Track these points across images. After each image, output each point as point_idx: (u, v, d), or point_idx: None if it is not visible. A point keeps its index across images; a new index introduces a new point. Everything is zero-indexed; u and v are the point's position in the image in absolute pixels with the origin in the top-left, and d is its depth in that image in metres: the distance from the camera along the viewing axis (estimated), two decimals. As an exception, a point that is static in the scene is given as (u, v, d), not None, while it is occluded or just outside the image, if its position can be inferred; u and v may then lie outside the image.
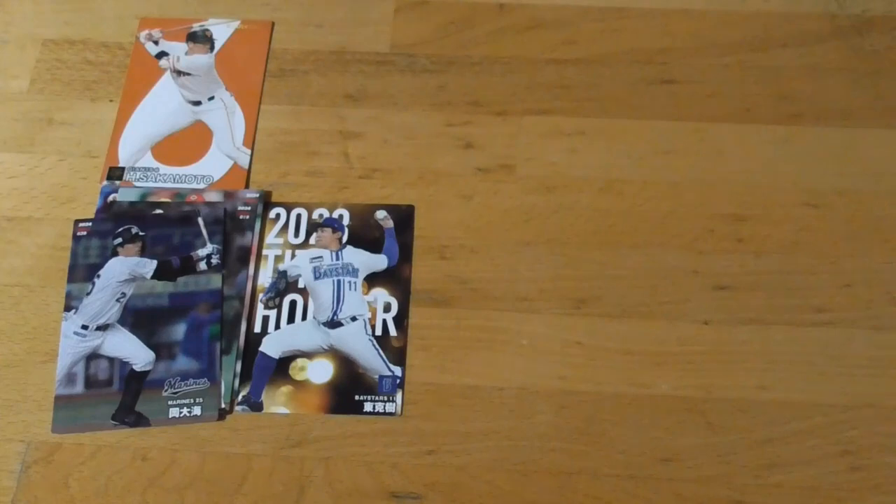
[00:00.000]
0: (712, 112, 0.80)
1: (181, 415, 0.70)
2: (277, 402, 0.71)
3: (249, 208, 0.77)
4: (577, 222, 0.76)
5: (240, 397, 0.71)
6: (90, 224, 0.77)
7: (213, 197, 0.78)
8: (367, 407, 0.70)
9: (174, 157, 0.81)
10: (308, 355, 0.72)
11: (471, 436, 0.69)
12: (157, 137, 0.82)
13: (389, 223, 0.77)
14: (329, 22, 0.87)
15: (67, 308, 0.73)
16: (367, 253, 0.76)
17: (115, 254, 0.75)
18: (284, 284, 0.75)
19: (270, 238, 0.77)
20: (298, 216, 0.77)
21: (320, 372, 0.72)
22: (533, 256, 0.75)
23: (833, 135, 0.79)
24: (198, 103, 0.83)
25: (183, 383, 0.71)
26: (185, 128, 0.82)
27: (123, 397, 0.70)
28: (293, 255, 0.76)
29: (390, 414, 0.70)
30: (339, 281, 0.74)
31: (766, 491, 0.66)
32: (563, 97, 0.82)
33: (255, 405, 0.70)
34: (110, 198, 0.78)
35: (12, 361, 0.73)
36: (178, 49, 0.85)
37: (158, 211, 0.77)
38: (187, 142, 0.81)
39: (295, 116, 0.82)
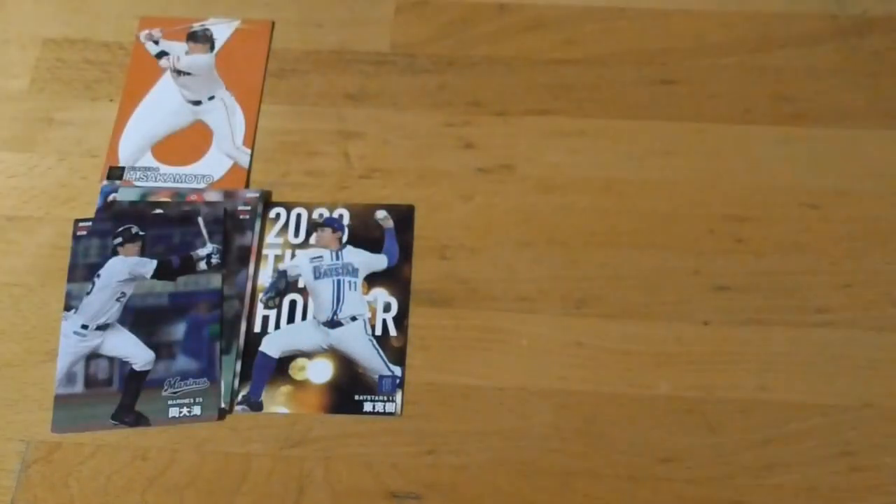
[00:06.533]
0: (712, 112, 0.80)
1: (181, 414, 0.70)
2: (277, 401, 0.71)
3: (249, 208, 0.77)
4: (577, 222, 0.76)
5: (240, 397, 0.71)
6: (90, 224, 0.77)
7: (213, 196, 0.78)
8: (367, 407, 0.70)
9: (174, 157, 0.81)
10: (308, 355, 0.72)
11: (471, 436, 0.69)
12: (158, 137, 0.82)
13: (389, 223, 0.77)
14: (329, 22, 0.87)
15: (67, 308, 0.73)
16: (367, 253, 0.76)
17: (115, 253, 0.75)
18: (284, 284, 0.75)
19: (270, 238, 0.77)
20: (298, 216, 0.77)
21: (320, 372, 0.72)
22: (533, 256, 0.75)
23: (833, 135, 0.79)
24: (198, 103, 0.83)
25: (183, 383, 0.71)
26: (185, 127, 0.82)
27: (123, 397, 0.70)
28: (293, 255, 0.76)
29: (390, 414, 0.70)
30: (339, 281, 0.74)
31: (766, 491, 0.66)
32: (563, 97, 0.82)
33: (255, 405, 0.70)
34: (110, 197, 0.78)
35: (12, 361, 0.73)
36: (178, 49, 0.85)
37: (158, 211, 0.77)
38: (187, 141, 0.81)
39: (295, 116, 0.82)
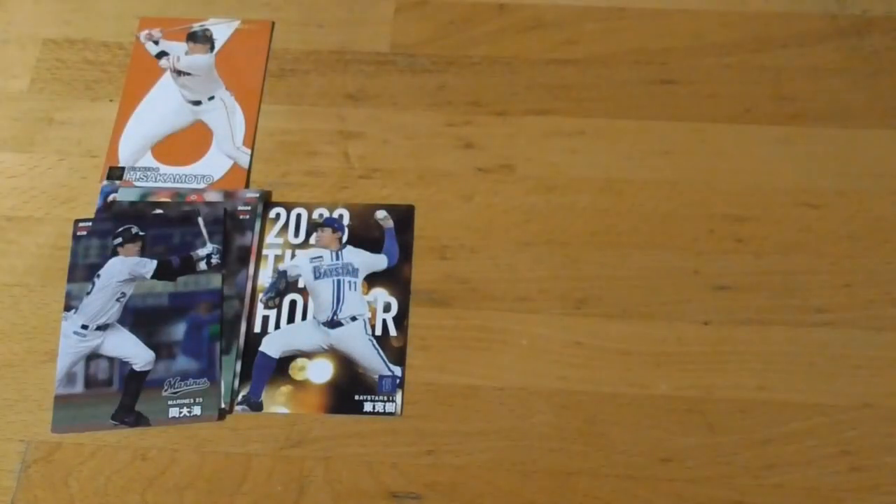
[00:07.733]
0: (712, 112, 0.80)
1: (181, 415, 0.70)
2: (277, 401, 0.71)
3: (249, 208, 0.77)
4: (577, 222, 0.76)
5: (240, 397, 0.71)
6: (90, 224, 0.77)
7: (213, 197, 0.78)
8: (367, 407, 0.70)
9: (174, 157, 0.81)
10: (308, 355, 0.72)
11: (471, 436, 0.69)
12: (158, 137, 0.82)
13: (389, 223, 0.77)
14: (329, 22, 0.87)
15: (67, 308, 0.73)
16: (367, 253, 0.76)
17: (115, 253, 0.75)
18: (284, 284, 0.75)
19: (270, 238, 0.77)
20: (298, 216, 0.77)
21: (320, 372, 0.72)
22: (533, 256, 0.75)
23: (833, 135, 0.79)
24: (198, 103, 0.83)
25: (183, 383, 0.71)
26: (185, 127, 0.82)
27: (123, 397, 0.70)
28: (293, 255, 0.76)
29: (390, 414, 0.70)
30: (339, 281, 0.74)
31: (766, 491, 0.66)
32: (563, 97, 0.82)
33: (255, 405, 0.70)
34: (110, 197, 0.78)
35: (12, 361, 0.73)
36: (178, 49, 0.85)
37: (158, 211, 0.77)
38: (187, 141, 0.81)
39: (295, 116, 0.82)
